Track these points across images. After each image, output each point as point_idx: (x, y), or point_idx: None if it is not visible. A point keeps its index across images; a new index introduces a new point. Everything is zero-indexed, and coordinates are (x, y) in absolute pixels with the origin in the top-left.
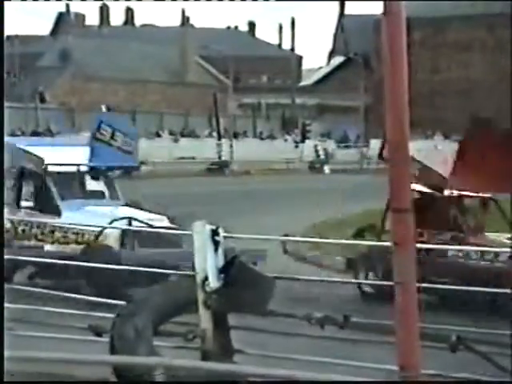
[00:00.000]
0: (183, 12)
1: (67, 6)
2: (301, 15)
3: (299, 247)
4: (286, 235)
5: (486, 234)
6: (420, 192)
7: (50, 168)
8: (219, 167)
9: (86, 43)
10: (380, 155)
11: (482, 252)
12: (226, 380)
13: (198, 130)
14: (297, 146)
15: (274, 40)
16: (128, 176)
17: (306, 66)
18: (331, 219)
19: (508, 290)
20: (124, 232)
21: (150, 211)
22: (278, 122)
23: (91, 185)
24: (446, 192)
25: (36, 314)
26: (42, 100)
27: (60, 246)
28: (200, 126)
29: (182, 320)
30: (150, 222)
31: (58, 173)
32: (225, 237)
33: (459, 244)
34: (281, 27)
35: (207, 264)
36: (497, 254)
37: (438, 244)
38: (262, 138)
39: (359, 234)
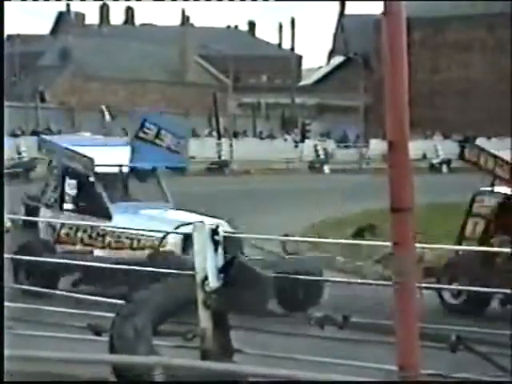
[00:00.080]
0: (183, 11)
1: (67, 5)
2: (301, 15)
3: (298, 247)
4: (286, 235)
5: None
6: (506, 195)
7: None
8: (219, 167)
9: (86, 42)
10: (461, 156)
11: None
12: (226, 380)
13: (197, 129)
14: (296, 146)
15: (273, 39)
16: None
17: (305, 65)
18: (331, 219)
19: None
20: (187, 237)
21: (205, 215)
22: (277, 121)
23: (135, 186)
24: None
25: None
26: (42, 99)
27: (111, 252)
28: (200, 126)
29: (182, 319)
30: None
31: (102, 174)
32: (224, 237)
33: None
34: (281, 27)
35: (207, 264)
36: None
37: None
38: (261, 138)
39: (359, 234)
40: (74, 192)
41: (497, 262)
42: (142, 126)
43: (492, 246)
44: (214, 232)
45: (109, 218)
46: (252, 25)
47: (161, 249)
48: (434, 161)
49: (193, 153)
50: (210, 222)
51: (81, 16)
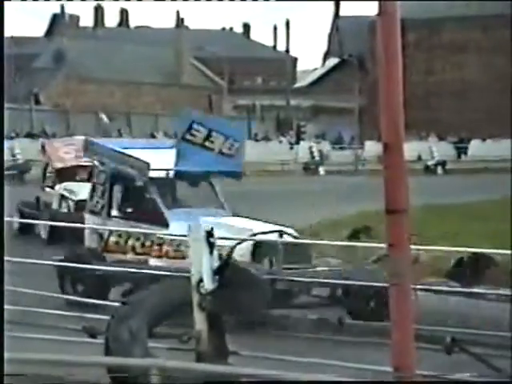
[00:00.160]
0: (178, 13)
1: (62, 7)
2: (296, 16)
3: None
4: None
5: None
6: None
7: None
8: None
9: (81, 45)
10: None
11: None
12: (222, 381)
13: None
14: (291, 148)
15: (268, 41)
16: None
17: (300, 67)
18: (326, 220)
19: None
20: (257, 246)
21: (268, 222)
22: (272, 123)
23: (182, 192)
24: None
25: None
26: (37, 101)
27: (169, 261)
28: None
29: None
30: (285, 236)
31: (151, 178)
32: (219, 238)
33: None
34: (275, 29)
35: (202, 266)
36: None
37: None
38: (256, 140)
39: (354, 236)
40: (123, 198)
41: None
42: (189, 127)
43: None
44: (209, 234)
45: (166, 225)
46: (247, 27)
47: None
48: (429, 162)
49: None
50: (275, 229)
51: (75, 18)
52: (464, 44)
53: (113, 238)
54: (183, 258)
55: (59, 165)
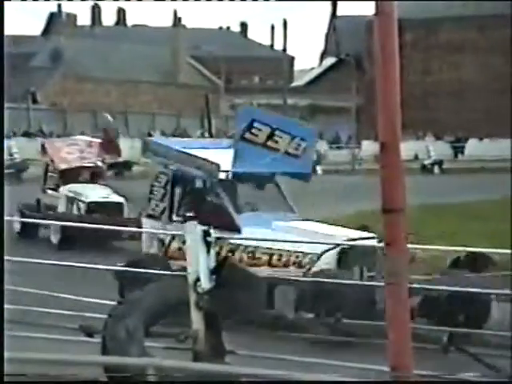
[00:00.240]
0: (175, 12)
1: (59, 6)
2: (293, 16)
3: None
4: None
5: None
6: None
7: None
8: None
9: (78, 43)
10: None
11: None
12: (219, 380)
13: (189, 130)
14: None
15: (265, 41)
16: (120, 176)
17: (297, 66)
18: (325, 220)
19: None
20: (344, 254)
21: (345, 226)
22: None
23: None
24: None
25: None
26: (34, 100)
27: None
28: (192, 127)
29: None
30: (363, 242)
31: (219, 180)
32: (217, 238)
33: None
34: (273, 28)
35: (199, 265)
36: None
37: None
38: None
39: None
40: (186, 201)
41: None
42: (249, 126)
43: None
44: (206, 233)
45: (237, 230)
46: (244, 26)
47: (313, 268)
48: (426, 162)
49: None
50: (356, 235)
51: (72, 17)
52: (461, 44)
53: (175, 244)
54: (257, 265)
55: (63, 166)
